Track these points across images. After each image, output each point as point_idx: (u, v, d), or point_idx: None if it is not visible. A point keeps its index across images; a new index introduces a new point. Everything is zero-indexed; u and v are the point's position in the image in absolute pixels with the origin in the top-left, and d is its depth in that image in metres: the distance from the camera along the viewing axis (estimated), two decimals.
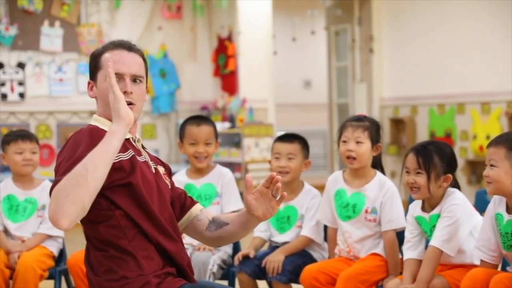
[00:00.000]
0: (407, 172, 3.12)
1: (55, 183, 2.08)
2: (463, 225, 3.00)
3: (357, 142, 3.39)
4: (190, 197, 2.56)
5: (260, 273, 3.56)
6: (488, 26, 7.56)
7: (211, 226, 2.47)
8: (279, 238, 3.70)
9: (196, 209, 2.52)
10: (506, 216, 2.83)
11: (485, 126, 7.40)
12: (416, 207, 3.19)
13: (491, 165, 2.80)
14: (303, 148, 3.69)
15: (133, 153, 2.32)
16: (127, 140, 2.36)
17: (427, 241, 3.14)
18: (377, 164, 3.52)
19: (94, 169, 2.04)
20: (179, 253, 2.37)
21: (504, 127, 7.20)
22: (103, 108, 2.37)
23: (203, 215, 2.50)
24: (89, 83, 2.42)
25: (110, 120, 2.26)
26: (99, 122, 2.39)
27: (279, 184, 2.26)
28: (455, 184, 3.16)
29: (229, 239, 2.50)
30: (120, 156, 2.26)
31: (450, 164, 3.09)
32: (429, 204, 3.12)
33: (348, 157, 3.41)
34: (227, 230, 2.45)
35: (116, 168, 2.21)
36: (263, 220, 2.33)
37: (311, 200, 3.67)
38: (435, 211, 3.09)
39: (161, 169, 2.48)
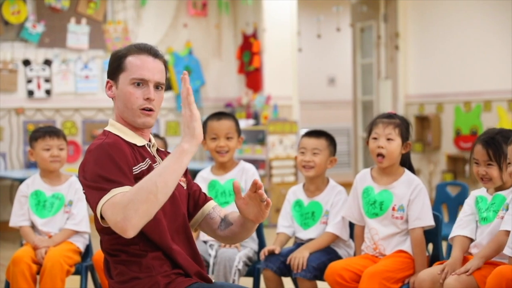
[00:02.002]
0: (476, 163, 3.15)
1: (97, 197, 2.15)
2: None
3: (388, 139, 3.39)
4: (204, 194, 2.56)
5: (285, 269, 3.56)
6: None
7: (222, 224, 2.48)
8: (303, 234, 3.70)
9: (209, 206, 2.53)
10: None
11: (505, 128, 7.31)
12: (479, 191, 3.23)
13: None
14: (330, 145, 3.69)
15: (150, 162, 2.35)
16: (143, 147, 2.39)
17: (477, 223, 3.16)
18: (406, 162, 3.51)
19: (164, 186, 2.10)
20: (186, 263, 2.37)
21: None
22: (121, 109, 2.38)
23: (215, 213, 2.51)
24: (108, 82, 2.43)
25: (126, 122, 2.37)
26: (114, 127, 2.40)
27: (261, 191, 2.27)
28: None
29: (235, 239, 2.50)
30: (141, 166, 2.30)
31: None
32: (496, 188, 3.15)
33: (378, 155, 3.41)
34: (232, 230, 2.47)
35: (137, 178, 2.23)
36: (257, 223, 2.35)
37: (336, 196, 3.67)
38: (501, 192, 3.11)
39: None
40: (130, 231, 2.09)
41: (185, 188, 2.49)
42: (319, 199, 3.70)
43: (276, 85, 8.30)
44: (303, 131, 3.86)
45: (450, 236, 3.24)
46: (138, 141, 2.38)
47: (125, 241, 2.26)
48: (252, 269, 3.73)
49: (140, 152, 2.34)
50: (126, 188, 2.16)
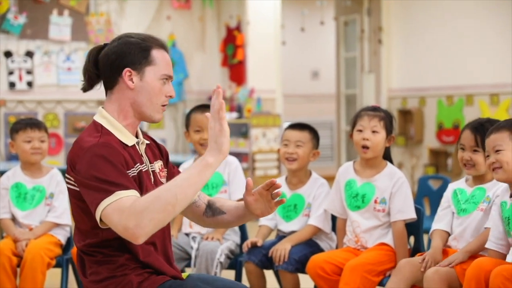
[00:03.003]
0: (462, 148, 3.17)
1: (99, 198, 2.09)
2: None
3: (373, 132, 3.40)
4: None
5: (267, 262, 3.57)
6: (497, 18, 7.52)
7: (208, 211, 2.48)
8: (285, 226, 3.71)
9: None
10: (508, 202, 2.85)
11: (493, 118, 7.36)
12: (458, 183, 3.26)
13: (497, 151, 2.82)
14: (313, 138, 3.70)
15: (140, 168, 2.31)
16: (133, 146, 2.33)
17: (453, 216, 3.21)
18: (386, 155, 3.53)
19: (184, 198, 2.07)
20: (158, 263, 2.35)
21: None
22: (140, 103, 2.31)
23: (200, 201, 2.51)
24: (128, 71, 2.30)
25: (125, 115, 2.31)
26: (107, 122, 2.32)
27: (280, 191, 2.29)
28: None
29: (226, 226, 2.54)
30: (132, 172, 2.26)
31: None
32: (476, 181, 3.18)
33: (363, 146, 3.42)
34: (224, 219, 2.46)
35: None
36: (261, 217, 2.34)
37: (318, 188, 3.68)
38: (482, 185, 3.14)
39: (158, 166, 2.43)
40: (141, 238, 2.05)
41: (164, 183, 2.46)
42: (302, 191, 3.71)
43: (260, 78, 8.30)
44: (287, 124, 3.86)
45: (430, 232, 3.27)
46: (129, 140, 2.33)
47: (102, 243, 2.25)
48: (234, 262, 3.73)
49: (130, 155, 2.29)
50: (132, 192, 2.11)
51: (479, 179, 3.19)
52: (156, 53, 2.33)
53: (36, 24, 7.62)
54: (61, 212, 3.87)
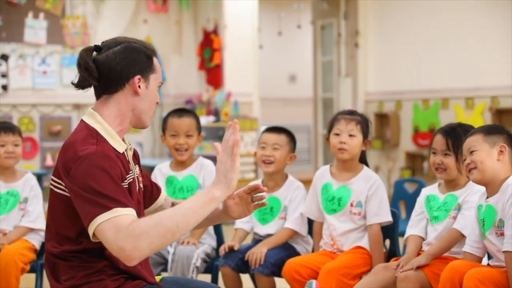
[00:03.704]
0: (434, 153, 3.19)
1: (94, 212, 2.05)
2: None
3: (350, 135, 3.41)
4: (156, 186, 2.56)
5: (243, 266, 3.56)
6: (472, 23, 7.59)
7: None
8: (261, 229, 3.70)
9: (161, 199, 2.55)
10: (484, 204, 2.88)
11: (468, 121, 7.41)
12: (431, 189, 3.28)
13: (471, 152, 2.86)
14: (290, 141, 3.70)
15: (130, 176, 2.29)
16: (122, 153, 2.31)
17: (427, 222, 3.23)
18: (362, 159, 3.54)
19: (185, 227, 2.06)
20: (134, 270, 2.32)
21: (487, 122, 7.23)
22: (141, 109, 2.30)
23: (167, 204, 2.51)
24: (139, 78, 2.28)
25: (120, 122, 2.28)
26: (102, 127, 2.28)
27: (264, 195, 2.29)
28: None
29: (194, 228, 2.50)
30: (124, 184, 2.23)
31: None
32: (449, 186, 3.19)
33: (340, 149, 3.43)
34: None
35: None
36: (237, 219, 2.34)
37: (294, 191, 3.68)
38: (454, 192, 3.16)
39: (137, 170, 2.42)
40: (136, 261, 2.04)
41: (142, 189, 2.45)
42: (278, 194, 3.71)
43: (237, 81, 8.30)
44: (264, 128, 3.87)
45: (404, 237, 3.28)
46: (121, 147, 2.30)
47: (83, 249, 2.22)
48: (210, 265, 3.72)
49: (123, 164, 2.26)
50: (130, 211, 2.08)
51: (451, 185, 3.21)
52: (155, 61, 2.35)
53: (11, 27, 7.56)
54: (35, 216, 3.83)
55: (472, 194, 3.11)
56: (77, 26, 7.87)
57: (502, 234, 2.77)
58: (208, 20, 8.47)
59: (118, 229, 2.02)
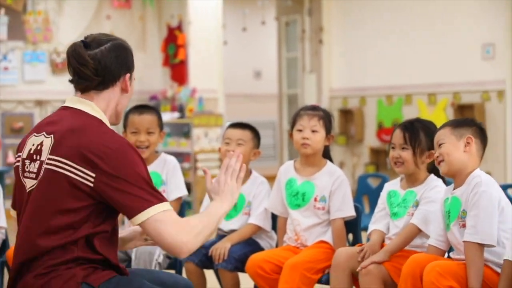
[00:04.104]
0: (393, 148, 3.22)
1: (149, 202, 2.19)
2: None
3: (313, 131, 3.42)
4: None
5: (207, 262, 3.55)
6: (434, 19, 7.67)
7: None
8: (225, 225, 3.70)
9: None
10: (449, 195, 2.91)
11: (431, 117, 7.50)
12: (393, 184, 3.30)
13: (440, 145, 2.89)
14: (254, 137, 3.70)
15: None
16: None
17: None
18: (326, 154, 3.56)
19: (210, 232, 2.33)
20: (117, 264, 2.37)
21: (449, 118, 7.32)
22: (122, 105, 2.39)
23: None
24: (130, 75, 2.39)
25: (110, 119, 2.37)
26: (101, 115, 2.34)
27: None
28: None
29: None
30: None
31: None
32: (409, 182, 3.21)
33: (303, 144, 3.44)
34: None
35: None
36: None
37: (258, 187, 3.68)
38: (413, 188, 3.18)
39: None
40: (186, 255, 2.24)
41: None
42: (242, 190, 3.68)
43: (201, 78, 8.28)
44: (229, 124, 3.87)
45: (367, 232, 3.30)
46: None
47: (64, 244, 2.23)
48: (174, 262, 3.70)
49: None
50: (169, 206, 2.24)
51: (411, 180, 3.22)
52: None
53: None
54: None
55: (429, 190, 3.14)
56: (39, 22, 7.77)
57: (464, 226, 2.81)
58: (172, 16, 8.43)
59: (176, 221, 2.21)
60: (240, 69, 11.29)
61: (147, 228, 2.19)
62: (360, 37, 8.44)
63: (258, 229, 3.64)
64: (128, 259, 3.63)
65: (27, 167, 2.30)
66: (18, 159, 2.36)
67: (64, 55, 7.48)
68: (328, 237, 3.43)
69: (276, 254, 3.40)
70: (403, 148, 3.17)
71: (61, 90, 7.19)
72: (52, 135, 2.27)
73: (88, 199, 2.20)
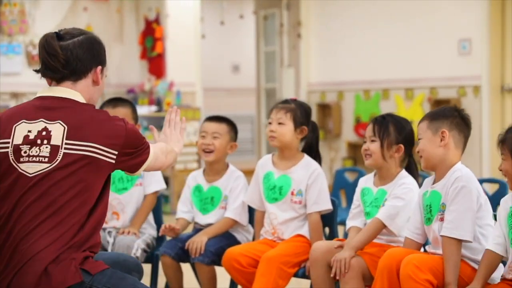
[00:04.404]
0: (365, 142, 3.22)
1: (147, 149, 2.51)
2: (409, 209, 3.07)
3: (279, 123, 3.43)
4: None
5: (184, 255, 3.55)
6: (411, 15, 7.70)
7: None
8: (202, 219, 3.69)
9: None
10: (429, 189, 2.92)
11: (408, 112, 7.56)
12: (367, 180, 3.29)
13: (419, 140, 2.91)
14: (231, 130, 3.70)
15: None
16: None
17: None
18: (312, 149, 3.57)
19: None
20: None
21: (426, 113, 7.36)
22: (96, 98, 2.52)
23: None
24: (101, 69, 2.49)
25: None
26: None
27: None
28: (411, 166, 3.25)
29: None
30: None
31: (406, 138, 3.19)
32: (380, 178, 3.21)
33: (270, 137, 3.46)
34: None
35: None
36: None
37: (235, 181, 3.68)
38: (384, 186, 3.18)
39: None
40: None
41: None
42: (219, 184, 3.70)
43: (179, 71, 8.24)
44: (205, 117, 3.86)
45: (346, 228, 3.32)
46: None
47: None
48: (150, 255, 3.69)
49: None
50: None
51: (383, 177, 3.22)
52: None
53: None
54: None
55: (397, 187, 3.14)
56: (15, 13, 7.68)
57: (442, 219, 2.82)
58: (150, 9, 8.38)
59: (164, 153, 2.61)
60: (218, 63, 11.26)
61: (152, 167, 2.54)
62: (338, 31, 8.45)
63: (235, 223, 3.64)
64: (106, 251, 3.61)
65: (25, 152, 2.33)
66: (5, 145, 2.37)
67: None
68: (305, 231, 3.44)
69: (252, 248, 3.40)
70: (372, 141, 3.18)
71: (37, 82, 7.06)
72: (59, 121, 2.36)
73: (105, 175, 2.39)
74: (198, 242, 3.47)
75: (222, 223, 3.62)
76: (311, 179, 3.44)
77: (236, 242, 3.60)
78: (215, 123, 3.70)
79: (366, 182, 3.31)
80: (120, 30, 8.50)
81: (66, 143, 2.32)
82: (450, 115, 2.90)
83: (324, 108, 8.58)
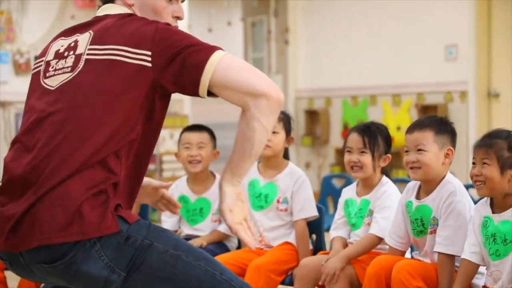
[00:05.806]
0: (349, 151, 3.18)
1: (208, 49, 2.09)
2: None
3: (274, 132, 3.41)
4: None
5: None
6: (398, 21, 7.73)
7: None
8: (190, 230, 3.68)
9: None
10: (415, 203, 2.89)
11: (396, 118, 7.59)
12: (350, 190, 3.28)
13: (419, 150, 2.80)
14: (212, 138, 3.70)
15: None
16: None
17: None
18: (285, 155, 3.57)
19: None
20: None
21: (414, 119, 7.38)
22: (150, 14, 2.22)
23: None
24: None
25: None
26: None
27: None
28: (386, 170, 3.24)
29: None
30: None
31: (389, 145, 3.18)
32: (364, 186, 3.20)
33: (266, 146, 3.44)
34: None
35: None
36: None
37: None
38: (366, 196, 3.17)
39: None
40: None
41: None
42: (207, 195, 3.68)
43: None
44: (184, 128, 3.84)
45: (330, 238, 3.31)
46: None
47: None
48: None
49: None
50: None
51: (366, 185, 3.20)
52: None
53: None
54: None
55: (379, 197, 3.12)
56: (2, 22, 7.66)
57: (433, 232, 2.80)
58: None
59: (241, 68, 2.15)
60: None
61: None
62: (325, 38, 8.47)
63: (226, 236, 3.63)
64: None
65: (52, 67, 2.12)
66: (40, 63, 2.19)
67: (27, 56, 7.41)
68: (292, 239, 3.44)
69: (239, 256, 3.40)
70: (362, 152, 3.15)
71: (24, 91, 7.06)
72: (90, 31, 2.12)
73: (145, 86, 2.01)
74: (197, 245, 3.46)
75: (216, 236, 3.61)
76: (295, 186, 3.44)
77: (227, 250, 3.60)
78: (197, 133, 3.68)
79: (349, 193, 3.29)
80: None
81: (88, 49, 2.05)
82: (450, 129, 2.86)
83: (312, 114, 8.59)
